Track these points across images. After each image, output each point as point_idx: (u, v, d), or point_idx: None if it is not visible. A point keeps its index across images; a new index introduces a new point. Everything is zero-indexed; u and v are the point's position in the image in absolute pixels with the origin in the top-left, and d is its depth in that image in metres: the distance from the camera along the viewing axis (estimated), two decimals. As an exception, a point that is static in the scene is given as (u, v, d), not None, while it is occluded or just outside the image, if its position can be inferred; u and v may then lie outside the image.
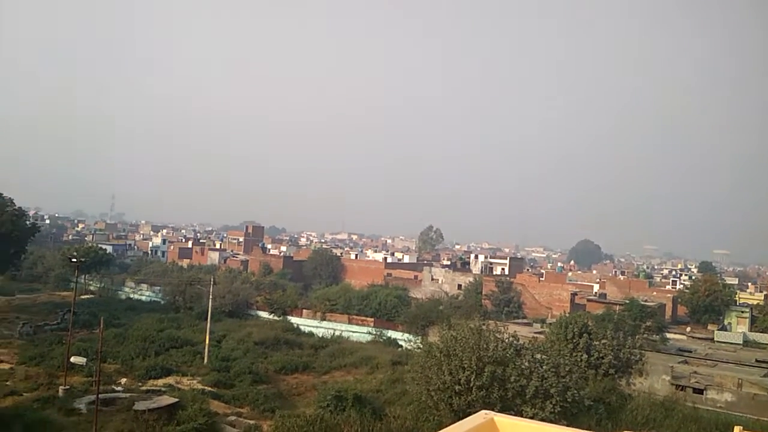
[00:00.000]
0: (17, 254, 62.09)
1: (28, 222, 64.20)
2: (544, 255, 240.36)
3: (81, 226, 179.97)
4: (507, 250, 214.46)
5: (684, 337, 59.21)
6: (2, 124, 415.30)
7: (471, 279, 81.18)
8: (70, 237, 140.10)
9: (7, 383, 34.92)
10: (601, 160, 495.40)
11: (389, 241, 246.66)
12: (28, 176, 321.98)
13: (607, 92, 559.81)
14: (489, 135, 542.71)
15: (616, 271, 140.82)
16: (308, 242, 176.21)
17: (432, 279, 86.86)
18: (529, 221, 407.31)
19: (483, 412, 3.92)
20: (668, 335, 57.23)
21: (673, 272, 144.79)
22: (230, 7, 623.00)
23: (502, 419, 3.83)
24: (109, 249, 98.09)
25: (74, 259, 54.53)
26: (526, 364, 24.93)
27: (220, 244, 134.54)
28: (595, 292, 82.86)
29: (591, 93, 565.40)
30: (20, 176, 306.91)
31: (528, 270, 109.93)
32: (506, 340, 25.80)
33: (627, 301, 64.66)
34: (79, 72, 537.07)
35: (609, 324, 41.30)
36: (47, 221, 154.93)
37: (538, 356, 26.25)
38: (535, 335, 39.58)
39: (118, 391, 34.87)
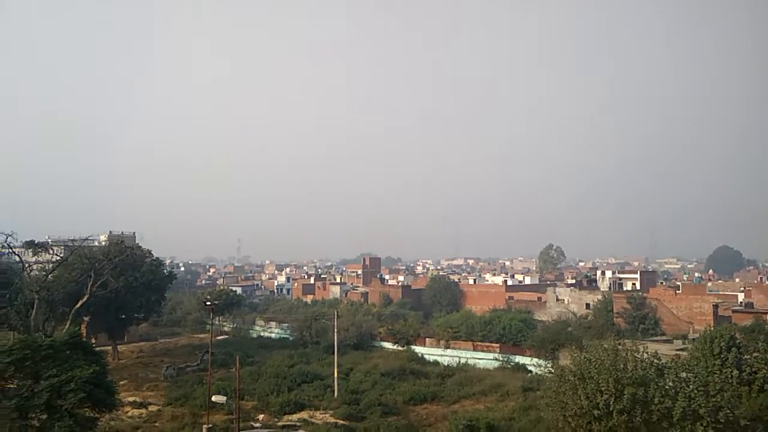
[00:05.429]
0: (158, 301, 66.67)
1: (165, 271, 68.95)
2: (679, 266, 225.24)
3: (212, 270, 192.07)
4: (636, 264, 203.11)
5: None
6: (139, 181, 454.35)
7: (599, 297, 77.23)
8: (203, 282, 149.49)
9: (156, 424, 37.29)
10: (733, 153, 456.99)
11: (507, 263, 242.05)
12: (163, 230, 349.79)
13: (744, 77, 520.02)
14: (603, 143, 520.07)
15: (761, 278, 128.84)
16: (424, 270, 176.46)
17: (557, 299, 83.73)
18: (657, 230, 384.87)
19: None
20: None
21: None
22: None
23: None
24: (239, 290, 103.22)
25: (208, 303, 57.80)
26: (671, 383, 23.12)
27: (340, 278, 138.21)
28: (741, 302, 76.18)
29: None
30: (157, 230, 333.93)
31: (662, 283, 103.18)
32: (645, 360, 24.15)
33: (779, 310, 58.79)
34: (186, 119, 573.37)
35: (759, 335, 37.79)
36: (182, 268, 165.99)
37: (683, 375, 24.27)
38: (678, 352, 36.71)
39: (257, 427, 36.19)
